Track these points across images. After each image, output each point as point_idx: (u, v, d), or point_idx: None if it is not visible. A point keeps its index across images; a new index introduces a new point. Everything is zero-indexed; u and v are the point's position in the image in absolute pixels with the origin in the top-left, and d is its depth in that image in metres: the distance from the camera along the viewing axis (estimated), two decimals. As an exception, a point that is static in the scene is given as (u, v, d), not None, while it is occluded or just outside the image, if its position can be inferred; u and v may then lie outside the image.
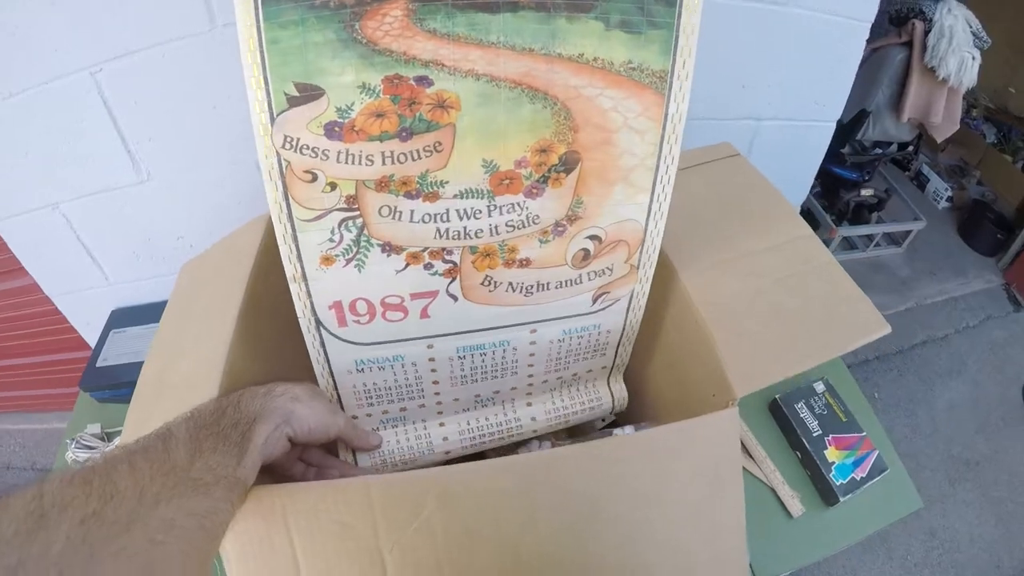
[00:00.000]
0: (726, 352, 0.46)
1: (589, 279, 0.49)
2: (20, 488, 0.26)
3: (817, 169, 1.04)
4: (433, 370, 0.52)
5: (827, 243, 2.12)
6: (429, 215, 0.41)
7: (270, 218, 0.56)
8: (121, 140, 0.73)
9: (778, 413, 0.83)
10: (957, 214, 2.51)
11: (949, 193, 2.50)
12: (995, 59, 1.79)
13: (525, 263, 0.46)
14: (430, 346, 0.50)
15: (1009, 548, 1.57)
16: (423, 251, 0.43)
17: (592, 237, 0.46)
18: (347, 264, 0.42)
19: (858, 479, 0.76)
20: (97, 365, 0.83)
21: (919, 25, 1.67)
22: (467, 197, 0.41)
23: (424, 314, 0.47)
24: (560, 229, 0.45)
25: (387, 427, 0.56)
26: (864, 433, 0.80)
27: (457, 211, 0.41)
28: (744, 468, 0.77)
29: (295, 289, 0.43)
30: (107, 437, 0.77)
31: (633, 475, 0.39)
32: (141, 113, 0.72)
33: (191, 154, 0.76)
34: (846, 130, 1.90)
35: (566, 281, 0.48)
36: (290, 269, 0.42)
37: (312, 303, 0.44)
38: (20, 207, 0.80)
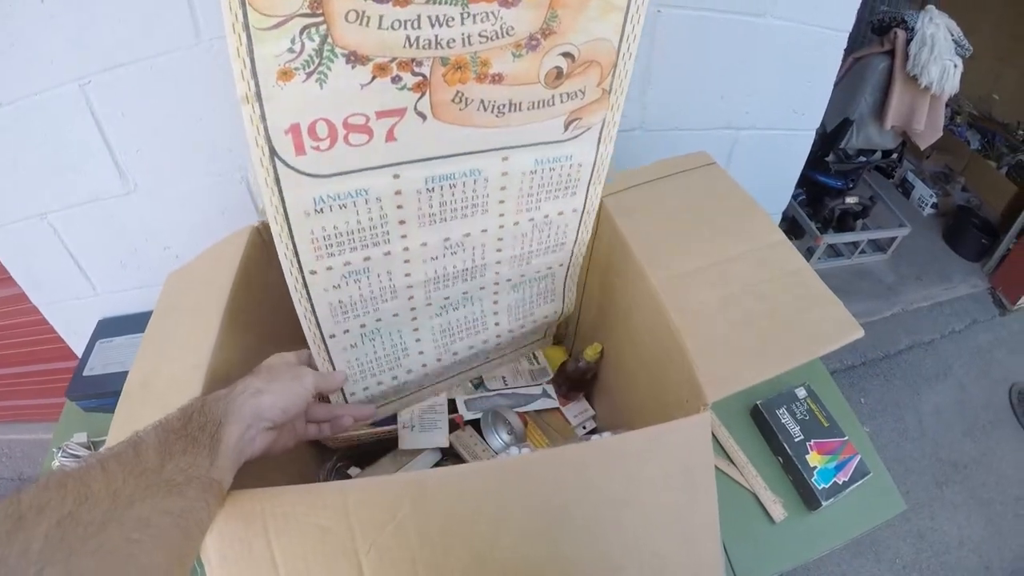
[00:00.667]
0: (699, 358, 0.46)
1: (561, 101, 0.48)
2: None
3: (798, 177, 1.05)
4: (400, 206, 0.48)
5: (812, 251, 2.14)
6: (399, 21, 0.39)
7: (253, 229, 0.58)
8: (109, 151, 0.74)
9: (760, 419, 0.84)
10: (942, 220, 2.54)
11: (934, 199, 2.53)
12: (979, 66, 1.82)
13: (497, 79, 0.44)
14: (396, 176, 0.46)
15: (999, 549, 1.58)
16: (391, 62, 0.40)
17: (565, 54, 0.45)
18: (308, 78, 0.39)
19: (840, 483, 0.77)
20: (84, 374, 0.83)
21: (901, 34, 1.70)
22: (440, 3, 0.39)
23: (390, 136, 0.44)
24: (534, 43, 0.44)
25: (363, 339, 0.55)
26: (846, 438, 0.81)
27: (429, 17, 0.39)
28: (726, 473, 0.78)
29: (247, 112, 0.39)
30: (93, 446, 0.77)
31: (604, 479, 0.40)
32: (129, 125, 0.72)
33: (177, 165, 0.77)
34: (830, 138, 1.93)
35: (538, 102, 0.47)
36: (242, 87, 0.38)
37: (266, 127, 0.39)
38: (8, 217, 0.80)
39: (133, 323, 0.90)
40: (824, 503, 0.75)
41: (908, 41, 1.69)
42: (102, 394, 0.80)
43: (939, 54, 1.64)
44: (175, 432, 0.35)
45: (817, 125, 0.98)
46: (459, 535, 0.37)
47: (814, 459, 0.79)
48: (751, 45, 0.83)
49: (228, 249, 0.56)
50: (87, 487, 0.29)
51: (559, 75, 0.46)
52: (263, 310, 0.57)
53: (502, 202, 0.53)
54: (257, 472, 0.41)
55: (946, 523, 1.62)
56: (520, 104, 0.47)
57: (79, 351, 0.95)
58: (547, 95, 0.47)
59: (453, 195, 0.50)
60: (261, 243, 0.59)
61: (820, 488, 0.76)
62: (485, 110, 0.46)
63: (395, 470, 0.60)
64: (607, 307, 0.63)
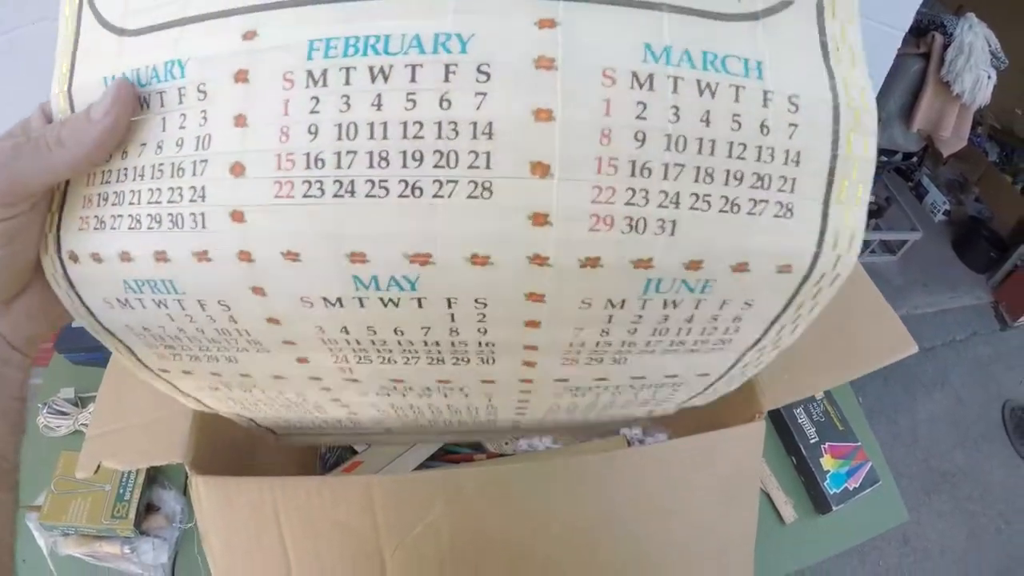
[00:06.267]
0: (753, 360, 0.43)
1: None
2: None
3: (834, 174, 1.01)
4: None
5: (825, 248, 2.12)
6: None
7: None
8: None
9: (776, 416, 0.81)
10: (953, 228, 2.51)
11: (947, 207, 2.50)
12: (1006, 80, 1.78)
13: None
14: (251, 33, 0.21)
15: (978, 562, 1.60)
16: None
17: None
18: None
19: (851, 489, 0.76)
20: (73, 325, 0.78)
21: (939, 38, 1.65)
22: None
23: None
24: None
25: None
26: (859, 443, 0.80)
27: None
28: (741, 473, 0.76)
29: None
30: (81, 402, 0.73)
31: (654, 487, 0.37)
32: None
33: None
34: (855, 136, 1.88)
35: None
36: None
37: None
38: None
39: (129, 274, 0.86)
40: (834, 508, 0.74)
41: (945, 46, 1.64)
42: (92, 348, 0.76)
43: (975, 63, 1.60)
44: None
45: (860, 121, 0.94)
46: (494, 539, 0.34)
47: (828, 463, 0.77)
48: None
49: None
50: None
51: None
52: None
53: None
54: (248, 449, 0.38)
55: (930, 530, 1.63)
56: None
57: (70, 299, 0.90)
58: None
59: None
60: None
61: (832, 493, 0.75)
62: None
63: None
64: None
